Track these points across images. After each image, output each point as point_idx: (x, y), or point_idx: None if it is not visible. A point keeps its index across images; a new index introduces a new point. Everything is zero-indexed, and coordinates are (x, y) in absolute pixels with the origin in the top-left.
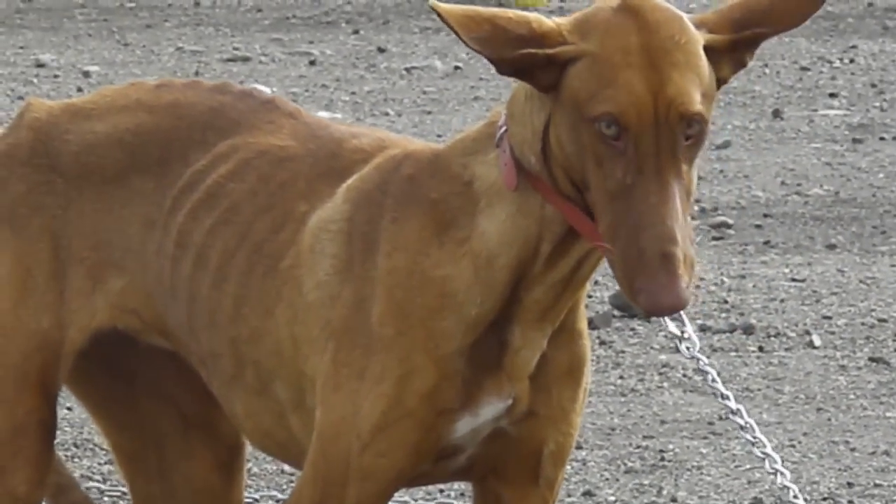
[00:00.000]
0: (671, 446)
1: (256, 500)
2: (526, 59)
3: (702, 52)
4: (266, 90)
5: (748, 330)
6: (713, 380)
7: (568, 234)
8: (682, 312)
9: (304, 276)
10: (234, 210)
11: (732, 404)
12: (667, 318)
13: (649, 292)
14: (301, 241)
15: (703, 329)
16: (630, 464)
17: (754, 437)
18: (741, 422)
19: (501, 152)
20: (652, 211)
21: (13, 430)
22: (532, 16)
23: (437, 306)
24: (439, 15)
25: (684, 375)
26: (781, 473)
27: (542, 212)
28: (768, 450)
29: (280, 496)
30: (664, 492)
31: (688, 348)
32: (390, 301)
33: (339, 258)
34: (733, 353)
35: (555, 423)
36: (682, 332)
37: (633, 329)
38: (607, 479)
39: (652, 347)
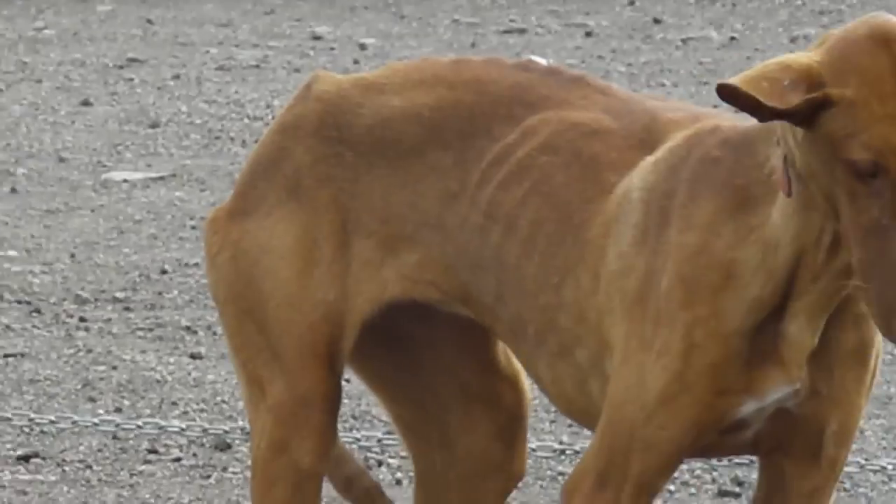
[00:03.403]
0: None
1: (535, 470)
2: (804, 106)
3: None
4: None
5: None
6: None
7: None
8: None
9: (608, 246)
10: (546, 181)
11: None
12: None
13: None
14: (607, 211)
15: None
16: None
17: None
18: None
19: (780, 151)
20: None
21: (298, 401)
22: (787, 59)
23: (723, 286)
24: (736, 92)
25: None
26: None
27: (825, 206)
28: None
29: (560, 468)
30: None
31: None
32: (678, 276)
33: (638, 228)
34: None
35: (838, 405)
36: None
37: None
38: (885, 448)
39: None
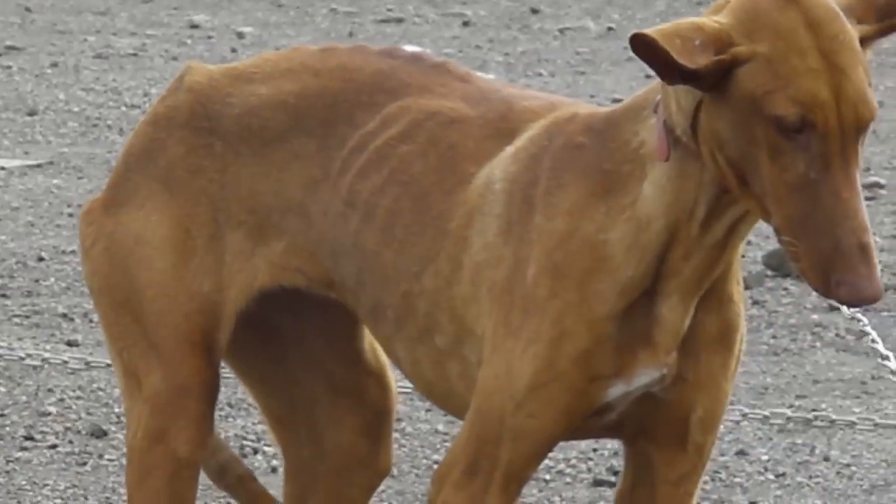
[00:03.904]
0: (824, 406)
1: (411, 458)
2: (713, 67)
3: (859, 48)
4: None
5: None
6: (873, 340)
7: (722, 197)
8: None
9: (471, 237)
10: (403, 170)
11: (893, 364)
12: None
13: (851, 285)
14: (468, 201)
15: None
16: (783, 423)
17: None
18: (893, 366)
19: (656, 121)
20: (844, 205)
21: (176, 390)
22: (699, 21)
23: (594, 269)
24: (652, 46)
25: (837, 335)
26: None
27: (700, 176)
28: None
29: (435, 456)
30: (817, 451)
31: (848, 308)
32: (547, 263)
33: (503, 219)
34: (886, 313)
35: (703, 390)
36: None
37: (785, 289)
38: (760, 439)
39: (805, 307)
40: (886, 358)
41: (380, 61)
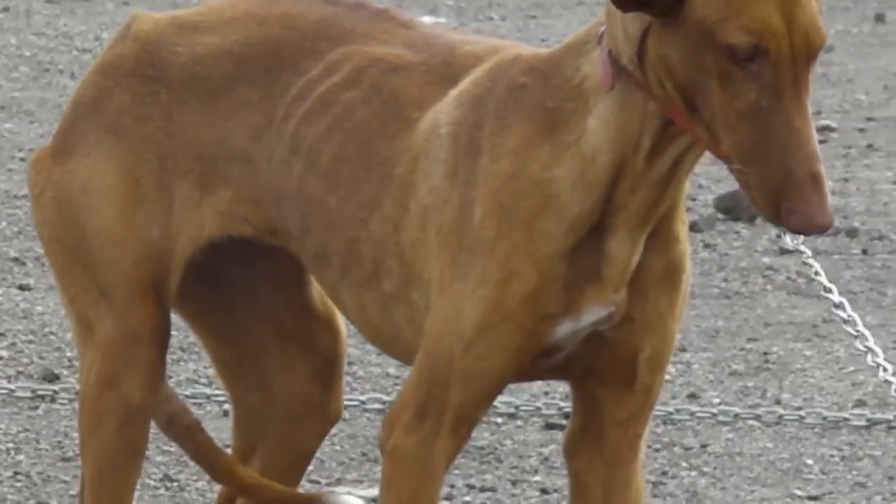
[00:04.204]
0: (775, 349)
1: (363, 402)
2: None
3: None
4: None
5: (852, 233)
6: (816, 273)
7: (667, 129)
8: None
9: (418, 181)
10: (347, 116)
11: (836, 297)
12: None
13: (803, 213)
14: (414, 146)
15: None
16: (734, 366)
17: (857, 331)
18: (844, 315)
19: (601, 50)
20: (797, 134)
21: (127, 337)
22: None
23: (540, 208)
24: None
25: (788, 278)
26: (884, 368)
27: (644, 107)
28: (871, 344)
29: (385, 398)
30: (768, 394)
31: (792, 241)
32: (493, 204)
33: (449, 162)
34: (837, 256)
35: (651, 329)
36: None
37: (736, 232)
38: (711, 382)
39: (756, 250)
40: (829, 290)
41: (323, 8)
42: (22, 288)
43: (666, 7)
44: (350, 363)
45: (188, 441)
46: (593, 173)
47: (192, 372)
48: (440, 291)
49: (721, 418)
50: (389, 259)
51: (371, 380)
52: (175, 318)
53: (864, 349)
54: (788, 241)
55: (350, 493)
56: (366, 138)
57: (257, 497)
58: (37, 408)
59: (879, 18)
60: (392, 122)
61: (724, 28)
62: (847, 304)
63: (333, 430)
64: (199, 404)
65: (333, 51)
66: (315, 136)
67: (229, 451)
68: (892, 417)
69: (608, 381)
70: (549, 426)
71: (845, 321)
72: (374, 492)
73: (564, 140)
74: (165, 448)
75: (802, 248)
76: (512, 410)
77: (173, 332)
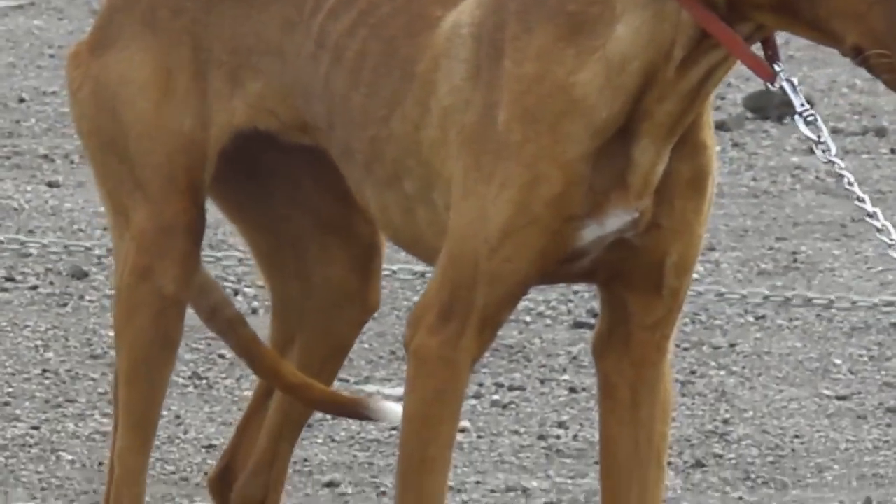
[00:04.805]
0: (804, 248)
1: (394, 271)
2: None
3: None
4: None
5: (880, 132)
6: (849, 183)
7: (701, 41)
8: (817, 115)
9: (439, 81)
10: (371, 12)
11: (869, 207)
12: (800, 121)
13: None
14: (435, 45)
15: (835, 131)
16: (763, 265)
17: (891, 240)
18: (878, 224)
19: None
20: None
21: (161, 229)
22: None
23: (566, 111)
24: None
25: (817, 177)
26: None
27: (677, 17)
28: None
29: (415, 297)
30: (796, 292)
31: (823, 151)
32: (518, 107)
33: (470, 63)
34: (865, 155)
35: (678, 235)
36: (819, 136)
37: (765, 131)
38: (740, 281)
39: (784, 149)
40: (863, 200)
41: None
42: (51, 185)
43: None
44: None
45: (231, 334)
46: (621, 79)
47: (222, 269)
48: (464, 193)
49: (749, 318)
50: (409, 158)
51: (399, 277)
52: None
53: None
54: (819, 153)
55: (380, 393)
56: (389, 35)
57: (300, 396)
58: (65, 305)
59: None
60: (415, 19)
61: None
62: (880, 214)
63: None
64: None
65: None
66: (341, 31)
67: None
68: None
69: (635, 285)
70: (578, 325)
71: (879, 230)
72: (402, 390)
73: (589, 44)
74: (194, 346)
75: (834, 158)
76: (541, 309)
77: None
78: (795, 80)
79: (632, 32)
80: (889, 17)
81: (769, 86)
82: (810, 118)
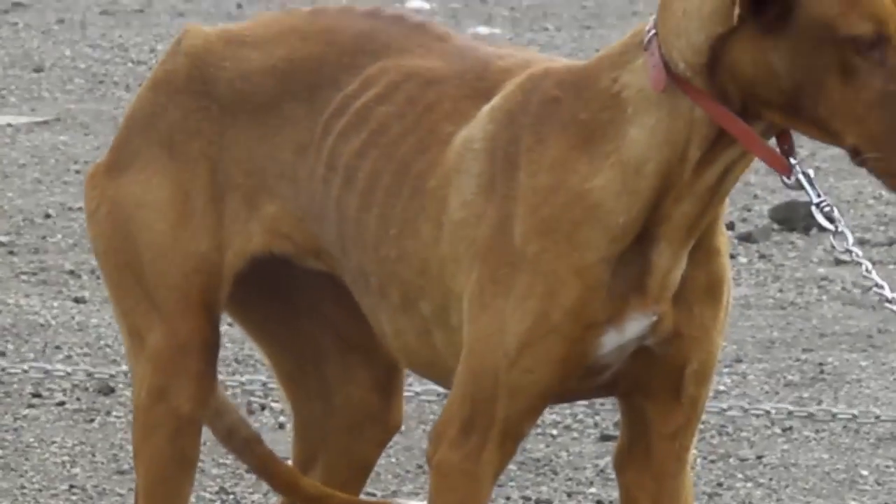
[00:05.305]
0: (830, 359)
1: (417, 392)
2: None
3: None
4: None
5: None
6: (867, 270)
7: (717, 140)
8: (833, 206)
9: (450, 196)
10: (382, 132)
11: (888, 293)
12: (818, 212)
13: None
14: (446, 161)
15: (862, 242)
16: (790, 377)
17: None
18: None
19: (649, 56)
20: None
21: (177, 349)
22: None
23: (583, 219)
24: None
25: (843, 289)
26: None
27: (691, 115)
28: None
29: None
30: (823, 404)
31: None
32: (535, 219)
33: (483, 177)
34: (892, 266)
35: (697, 343)
36: (836, 227)
37: (792, 242)
38: (767, 392)
39: (811, 261)
40: (881, 287)
41: (363, 22)
42: (77, 301)
43: (778, 13)
44: (406, 374)
45: (248, 454)
46: (637, 182)
47: (248, 383)
48: (481, 308)
49: (776, 429)
50: (422, 278)
51: (426, 392)
52: (231, 330)
53: None
54: (836, 243)
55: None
56: (400, 154)
57: None
58: (92, 421)
59: None
60: (426, 136)
61: (845, 21)
62: None
63: (389, 443)
64: (255, 416)
65: (371, 65)
66: (351, 153)
67: (288, 462)
68: None
69: (655, 394)
70: (605, 437)
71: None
72: None
73: (603, 150)
74: (221, 461)
75: (852, 247)
76: (568, 422)
77: (228, 345)
78: (811, 172)
79: (646, 133)
80: (886, 122)
81: (785, 180)
82: (826, 209)
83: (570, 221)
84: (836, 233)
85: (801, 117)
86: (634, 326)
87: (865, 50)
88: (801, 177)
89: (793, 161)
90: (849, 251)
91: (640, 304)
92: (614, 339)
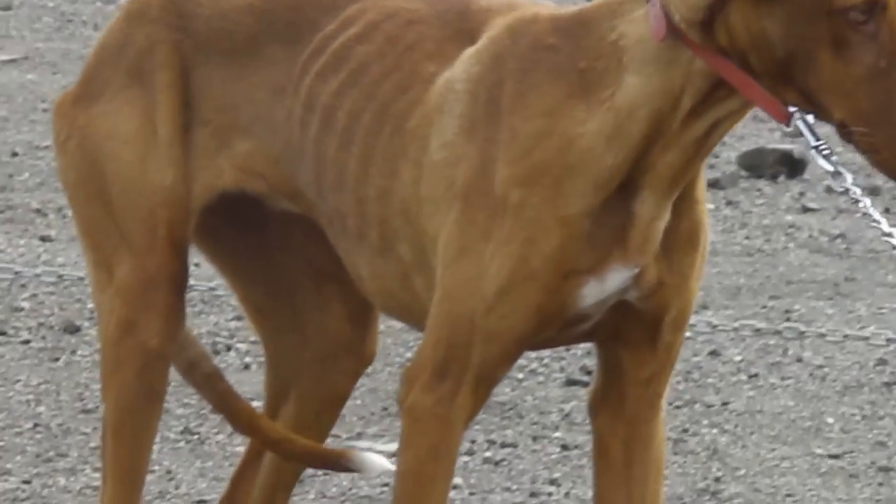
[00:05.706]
0: (797, 306)
1: (383, 356)
2: None
3: None
4: None
5: (874, 191)
6: (864, 206)
7: (709, 93)
8: (831, 148)
9: (430, 136)
10: (361, 71)
11: (885, 227)
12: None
13: None
14: (428, 101)
15: (829, 191)
16: (756, 324)
17: None
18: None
19: (651, 6)
20: None
21: (144, 283)
22: None
23: (572, 164)
24: None
25: (810, 236)
26: None
27: (689, 67)
28: None
29: (408, 354)
30: (789, 352)
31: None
32: (524, 164)
33: (465, 119)
34: (859, 216)
35: (676, 290)
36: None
37: (759, 189)
38: (733, 339)
39: (779, 208)
40: (878, 222)
41: None
42: (43, 239)
43: None
44: None
45: (208, 389)
46: (628, 126)
47: (213, 324)
48: (459, 251)
49: (742, 376)
50: (401, 218)
51: (392, 334)
52: (198, 270)
53: None
54: (836, 185)
55: (372, 450)
56: (380, 93)
57: (281, 450)
58: (57, 359)
59: None
60: (407, 76)
61: None
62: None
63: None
64: (220, 357)
65: (351, 5)
66: (330, 93)
67: (255, 403)
68: None
69: (631, 341)
70: (570, 382)
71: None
72: (395, 446)
73: (599, 97)
74: (186, 401)
75: (851, 186)
76: (533, 366)
77: (194, 283)
78: (811, 118)
79: (642, 80)
80: (874, 97)
81: (784, 128)
82: (825, 151)
83: (560, 167)
84: (834, 173)
85: (792, 87)
86: (616, 278)
87: (858, 23)
88: (799, 123)
89: (791, 109)
90: (846, 190)
91: (621, 256)
92: (595, 291)
